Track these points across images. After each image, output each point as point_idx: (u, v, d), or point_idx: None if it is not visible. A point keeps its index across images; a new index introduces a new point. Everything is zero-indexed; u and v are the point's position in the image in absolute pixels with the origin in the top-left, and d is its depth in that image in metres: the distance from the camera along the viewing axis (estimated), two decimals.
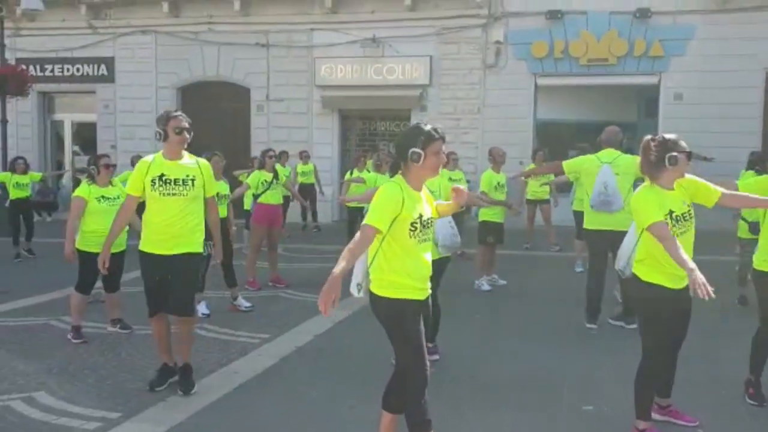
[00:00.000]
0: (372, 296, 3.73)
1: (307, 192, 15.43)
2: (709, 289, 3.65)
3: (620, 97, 16.43)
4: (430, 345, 5.74)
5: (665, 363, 4.44)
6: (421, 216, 3.67)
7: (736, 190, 4.74)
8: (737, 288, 8.15)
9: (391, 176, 3.77)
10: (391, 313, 3.68)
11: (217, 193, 7.84)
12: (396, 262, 3.63)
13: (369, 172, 11.88)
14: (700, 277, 3.73)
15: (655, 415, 4.48)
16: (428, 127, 3.68)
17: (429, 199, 3.90)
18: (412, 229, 3.62)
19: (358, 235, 3.55)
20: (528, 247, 12.42)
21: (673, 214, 4.14)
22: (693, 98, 14.86)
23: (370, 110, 17.19)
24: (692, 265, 3.82)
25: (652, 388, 4.39)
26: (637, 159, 6.72)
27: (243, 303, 7.97)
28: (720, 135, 13.32)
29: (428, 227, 3.75)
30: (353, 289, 3.89)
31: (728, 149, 11.46)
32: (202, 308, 7.59)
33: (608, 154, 7.07)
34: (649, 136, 4.40)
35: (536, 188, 12.30)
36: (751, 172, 8.40)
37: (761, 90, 14.80)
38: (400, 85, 16.46)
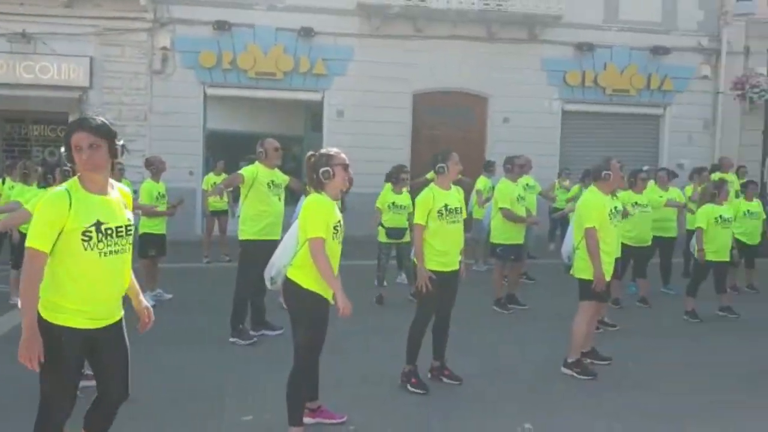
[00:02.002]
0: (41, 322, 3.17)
1: None
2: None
3: (288, 111, 17.03)
4: None
5: (316, 362, 4.65)
6: (98, 222, 3.17)
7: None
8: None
9: (45, 185, 3.40)
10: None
11: None
12: (65, 281, 3.15)
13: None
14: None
15: (307, 419, 4.64)
16: (80, 118, 3.29)
17: (120, 201, 3.38)
18: (85, 239, 3.13)
19: (25, 263, 3.08)
20: (209, 261, 12.28)
21: (337, 226, 4.42)
22: (353, 115, 15.97)
23: (19, 111, 15.49)
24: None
25: (304, 390, 4.54)
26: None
27: None
28: (374, 150, 14.53)
29: (114, 236, 3.22)
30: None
31: (380, 164, 12.48)
32: None
33: None
34: (310, 152, 4.59)
35: (216, 200, 12.17)
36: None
37: (409, 111, 16.46)
38: (55, 86, 15.04)
